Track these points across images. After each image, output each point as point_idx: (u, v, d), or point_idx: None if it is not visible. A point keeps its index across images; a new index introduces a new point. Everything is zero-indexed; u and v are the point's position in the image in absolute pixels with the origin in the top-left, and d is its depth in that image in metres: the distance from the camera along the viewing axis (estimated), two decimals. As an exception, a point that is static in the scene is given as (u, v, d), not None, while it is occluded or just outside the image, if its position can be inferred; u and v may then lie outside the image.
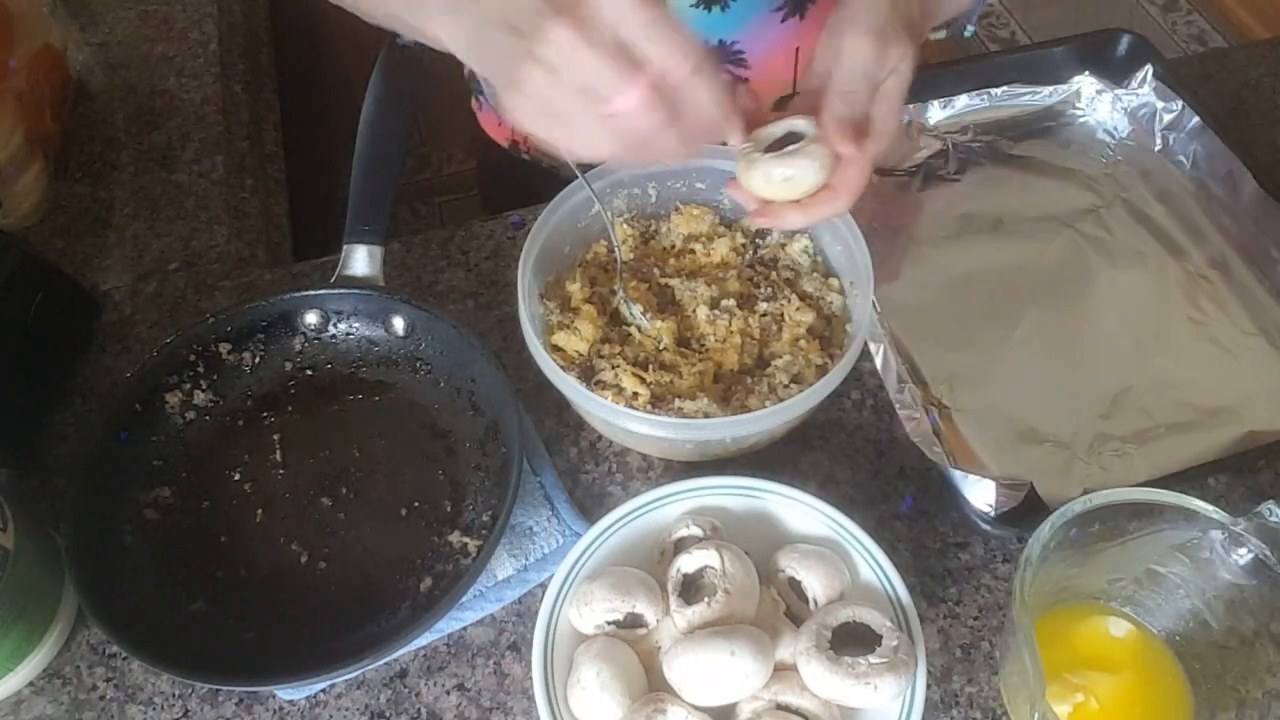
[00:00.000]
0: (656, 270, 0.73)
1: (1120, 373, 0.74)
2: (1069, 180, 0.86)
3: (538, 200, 0.82)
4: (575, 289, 0.70)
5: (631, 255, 0.73)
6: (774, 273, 0.72)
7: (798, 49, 0.84)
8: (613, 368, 0.66)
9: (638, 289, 0.71)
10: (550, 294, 0.71)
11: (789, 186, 0.59)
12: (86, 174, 0.91)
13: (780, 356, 0.68)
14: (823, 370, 0.67)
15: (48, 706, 0.62)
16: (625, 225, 0.74)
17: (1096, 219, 0.83)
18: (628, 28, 0.46)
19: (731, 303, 0.70)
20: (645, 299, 0.70)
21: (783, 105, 0.88)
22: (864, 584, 0.61)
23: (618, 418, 0.62)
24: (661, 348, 0.69)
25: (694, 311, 0.70)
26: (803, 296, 0.71)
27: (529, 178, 0.98)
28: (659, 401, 0.65)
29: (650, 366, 0.66)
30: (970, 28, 0.97)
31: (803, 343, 0.69)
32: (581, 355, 0.67)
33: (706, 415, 0.63)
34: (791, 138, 0.59)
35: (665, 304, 0.72)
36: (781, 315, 0.69)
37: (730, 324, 0.69)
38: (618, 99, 0.47)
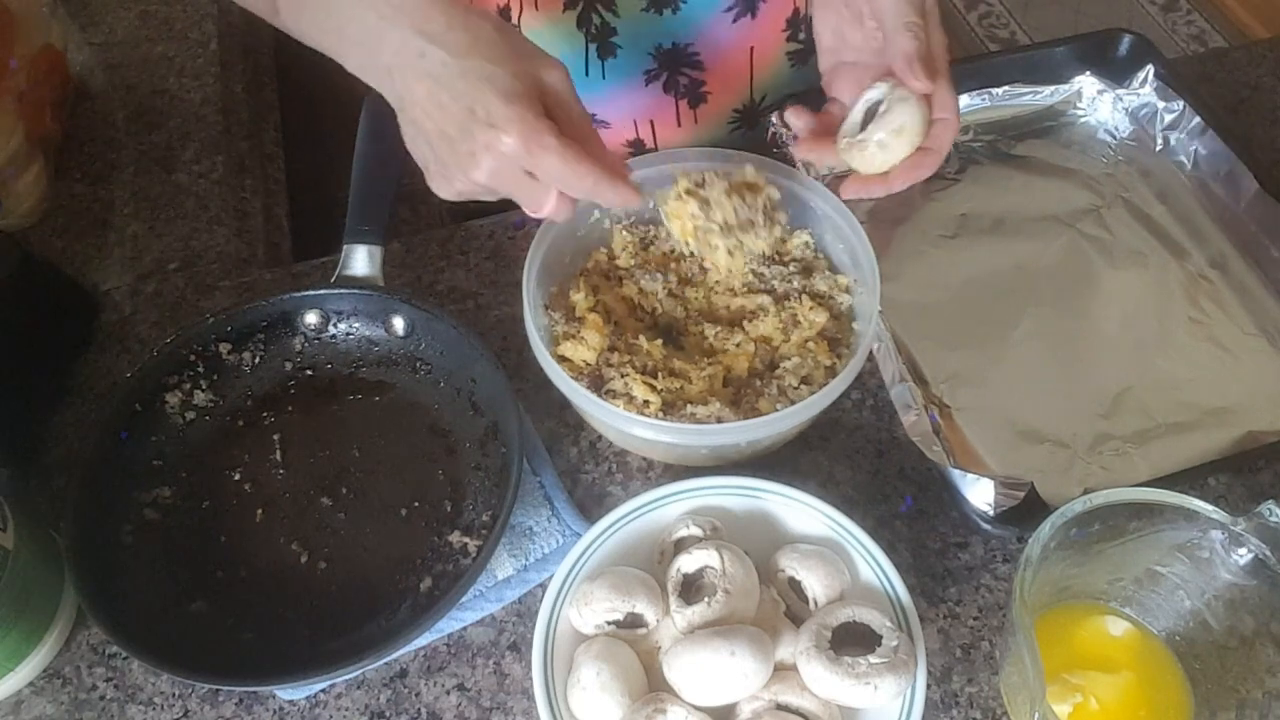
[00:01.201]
0: (666, 277, 0.72)
1: (1120, 372, 0.74)
2: (1070, 180, 0.86)
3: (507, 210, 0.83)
4: (579, 298, 0.70)
5: (633, 261, 0.73)
6: (785, 269, 0.72)
7: (752, 48, 0.83)
8: (622, 376, 0.66)
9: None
10: (554, 304, 0.71)
11: (905, 139, 0.60)
12: (86, 174, 0.91)
13: (789, 358, 0.68)
14: (830, 370, 0.67)
15: (48, 706, 0.62)
16: (624, 232, 0.74)
17: (1097, 219, 0.83)
18: (534, 166, 0.52)
19: (752, 320, 0.70)
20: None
21: (744, 114, 0.88)
22: (864, 584, 0.61)
23: (632, 426, 0.62)
24: (668, 355, 0.69)
25: (709, 335, 0.70)
26: (814, 296, 0.71)
27: None
28: (670, 408, 0.65)
29: (659, 374, 0.66)
30: None
31: (811, 344, 0.69)
32: (590, 365, 0.67)
33: (719, 420, 0.63)
34: (869, 112, 0.61)
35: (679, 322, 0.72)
36: (795, 317, 0.69)
37: (744, 340, 0.69)
38: (539, 212, 0.55)
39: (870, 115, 0.61)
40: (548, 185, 0.53)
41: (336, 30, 0.54)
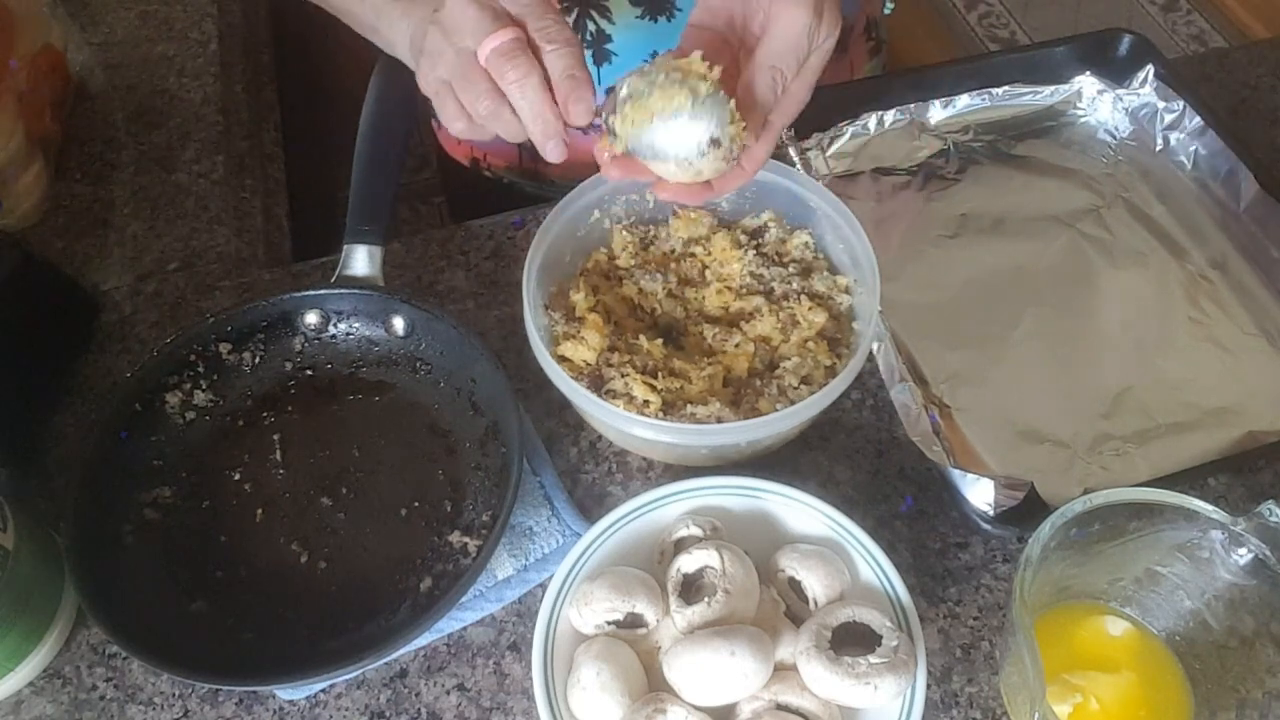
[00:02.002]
0: (666, 277, 0.72)
1: (1121, 372, 0.74)
2: (1070, 180, 0.86)
3: (500, 212, 0.83)
4: (579, 298, 0.70)
5: (633, 261, 0.73)
6: (784, 270, 0.72)
7: None
8: (622, 376, 0.66)
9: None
10: (554, 304, 0.71)
11: (714, 168, 0.54)
12: (86, 174, 0.91)
13: (789, 358, 0.68)
14: (830, 370, 0.67)
15: (48, 706, 0.62)
16: (624, 231, 0.74)
17: (1097, 219, 0.83)
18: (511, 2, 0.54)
19: (751, 321, 0.70)
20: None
21: None
22: (864, 584, 0.61)
23: (632, 426, 0.62)
24: (668, 355, 0.69)
25: (708, 336, 0.70)
26: (813, 296, 0.71)
27: (490, 193, 0.98)
28: (670, 408, 0.65)
29: (659, 374, 0.66)
30: (889, 4, 0.96)
31: (811, 344, 0.69)
32: (590, 365, 0.67)
33: (719, 420, 0.63)
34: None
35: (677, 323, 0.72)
36: (794, 317, 0.69)
37: (743, 340, 0.69)
38: (487, 43, 0.53)
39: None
40: (509, 20, 0.54)
41: None
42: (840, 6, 0.57)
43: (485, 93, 0.55)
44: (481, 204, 0.86)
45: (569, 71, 0.54)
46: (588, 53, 0.79)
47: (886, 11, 0.96)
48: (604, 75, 0.81)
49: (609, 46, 0.79)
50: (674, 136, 0.53)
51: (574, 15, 0.77)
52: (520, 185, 0.97)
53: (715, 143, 0.53)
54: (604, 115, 0.56)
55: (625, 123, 0.54)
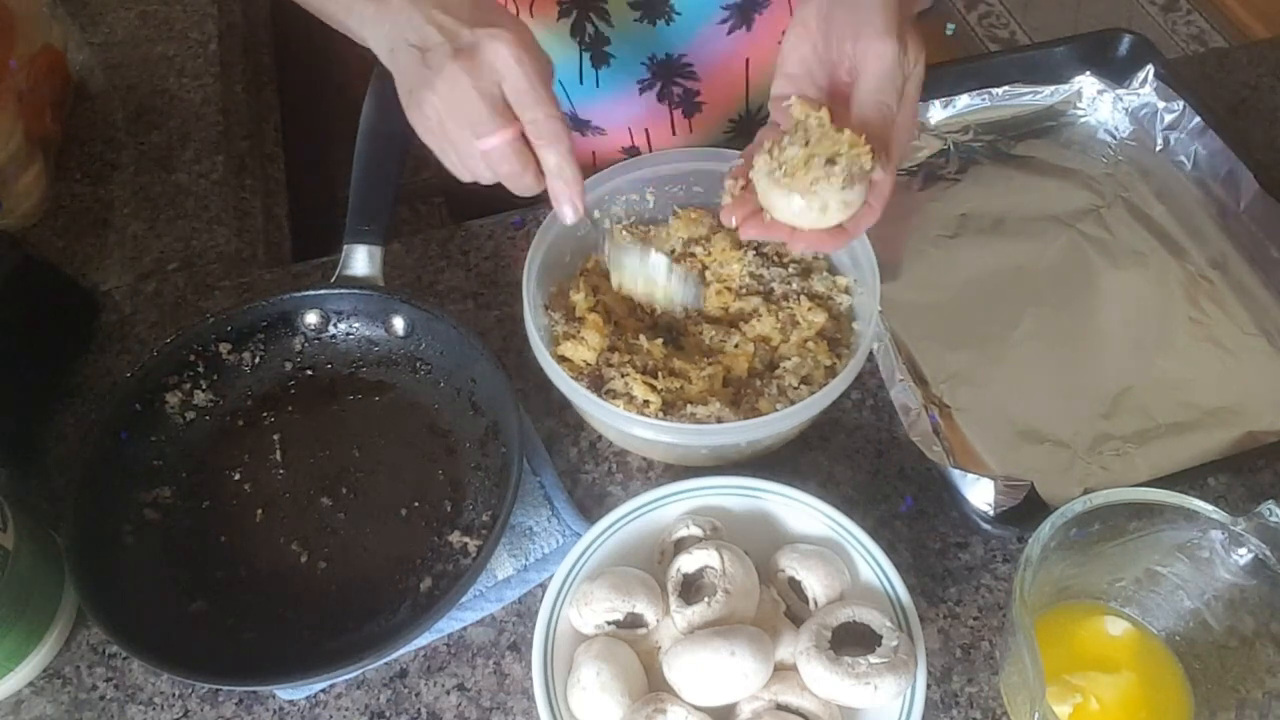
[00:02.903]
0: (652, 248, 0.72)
1: (1121, 372, 0.74)
2: (1070, 180, 0.86)
3: (500, 212, 0.82)
4: (579, 298, 0.70)
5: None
6: (784, 270, 0.72)
7: (748, 60, 0.83)
8: (622, 376, 0.66)
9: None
10: (554, 304, 0.71)
11: (844, 210, 0.56)
12: (86, 174, 0.91)
13: (789, 358, 0.68)
14: (830, 370, 0.67)
15: (48, 706, 0.62)
16: (624, 231, 0.74)
17: (1097, 219, 0.83)
18: (509, 86, 0.55)
19: (750, 321, 0.70)
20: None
21: (740, 123, 0.88)
22: (864, 584, 0.61)
23: (632, 426, 0.62)
24: (668, 355, 0.68)
25: (708, 336, 0.70)
26: (812, 296, 0.71)
27: (490, 193, 0.98)
28: (670, 408, 0.65)
29: (659, 374, 0.66)
30: (951, 26, 0.97)
31: (811, 343, 0.69)
32: (590, 365, 0.67)
33: (719, 420, 0.63)
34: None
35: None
36: (794, 317, 0.69)
37: (743, 341, 0.69)
38: (486, 140, 0.56)
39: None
40: (509, 114, 0.55)
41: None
42: (920, 32, 0.59)
43: (486, 168, 0.58)
44: (482, 204, 0.86)
45: (559, 172, 0.58)
46: (586, 54, 0.79)
47: (948, 33, 0.97)
48: (602, 78, 0.81)
49: (607, 49, 0.79)
50: (815, 184, 0.55)
51: (573, 17, 0.77)
52: None
53: (849, 178, 0.55)
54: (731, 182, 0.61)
55: (779, 186, 0.57)
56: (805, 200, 0.55)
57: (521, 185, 0.59)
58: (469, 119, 0.55)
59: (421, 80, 0.56)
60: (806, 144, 0.56)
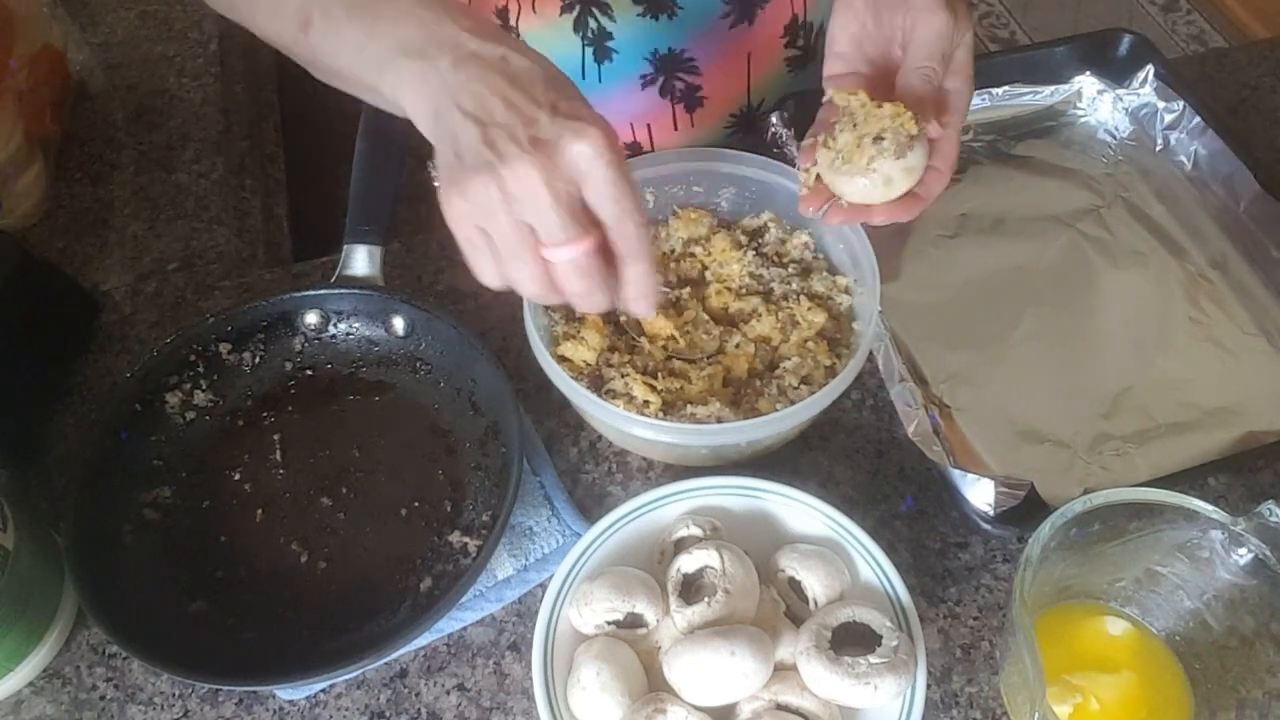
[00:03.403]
0: (666, 277, 0.72)
1: (1121, 372, 0.74)
2: (1070, 180, 0.86)
3: None
4: None
5: None
6: (784, 270, 0.72)
7: (749, 54, 0.83)
8: (622, 376, 0.66)
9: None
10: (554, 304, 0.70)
11: (910, 179, 0.58)
12: (86, 174, 0.91)
13: (789, 359, 0.68)
14: (830, 370, 0.67)
15: (48, 706, 0.62)
16: None
17: (1097, 219, 0.83)
18: (594, 190, 0.47)
19: (750, 322, 0.70)
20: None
21: (742, 118, 0.88)
22: (864, 584, 0.61)
23: (632, 426, 0.62)
24: (668, 356, 0.68)
25: (705, 331, 0.70)
26: (812, 297, 0.71)
27: None
28: (670, 408, 0.65)
29: (659, 374, 0.66)
30: None
31: (811, 343, 0.69)
32: (590, 365, 0.67)
33: (719, 420, 0.63)
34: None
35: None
36: (794, 317, 0.69)
37: (743, 341, 0.69)
38: (559, 250, 0.48)
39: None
40: (588, 223, 0.48)
41: (383, 36, 0.50)
42: (968, 5, 0.60)
43: (536, 279, 0.49)
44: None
45: (640, 286, 0.51)
46: (589, 50, 0.79)
47: None
48: (604, 73, 0.81)
49: (610, 44, 0.79)
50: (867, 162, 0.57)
51: (575, 12, 0.77)
52: None
53: (881, 142, 0.57)
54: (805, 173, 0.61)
55: (839, 173, 0.58)
56: (868, 179, 0.58)
57: (590, 303, 0.51)
58: (538, 223, 0.47)
59: (479, 163, 0.46)
60: (854, 127, 0.58)
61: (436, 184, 0.50)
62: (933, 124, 0.57)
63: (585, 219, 0.48)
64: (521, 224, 0.47)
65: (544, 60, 0.49)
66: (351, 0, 0.51)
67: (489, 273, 0.50)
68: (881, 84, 0.62)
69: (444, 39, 0.49)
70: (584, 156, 0.46)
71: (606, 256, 0.50)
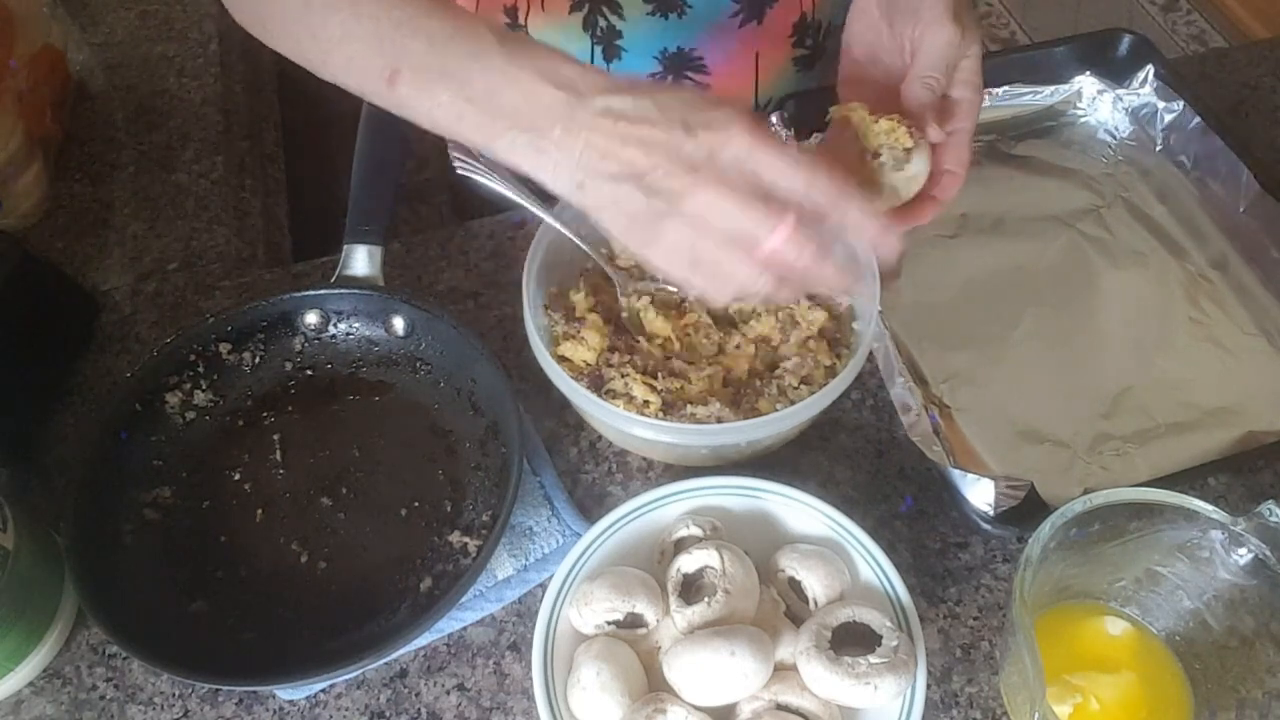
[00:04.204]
0: (659, 276, 0.72)
1: (1121, 372, 0.74)
2: (1070, 180, 0.86)
3: (510, 208, 0.82)
4: (580, 299, 0.70)
5: (632, 261, 0.73)
6: None
7: (757, 54, 0.83)
8: (622, 376, 0.66)
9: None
10: (554, 304, 0.70)
11: (914, 186, 0.59)
12: (86, 174, 0.91)
13: (789, 359, 0.68)
14: (830, 370, 0.67)
15: (48, 706, 0.62)
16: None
17: (1097, 219, 0.83)
18: (767, 176, 0.47)
19: (749, 322, 0.70)
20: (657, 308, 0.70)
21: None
22: (864, 584, 0.61)
23: (632, 426, 0.62)
24: (668, 356, 0.68)
25: (703, 335, 0.70)
26: (812, 296, 0.71)
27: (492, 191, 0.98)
28: (670, 408, 0.64)
29: (659, 374, 0.66)
30: None
31: (811, 343, 0.69)
32: (590, 365, 0.67)
33: (719, 420, 0.63)
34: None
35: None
36: (793, 317, 0.69)
37: (743, 341, 0.69)
38: (768, 242, 0.47)
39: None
40: (780, 200, 0.47)
41: (481, 100, 0.49)
42: (977, 18, 0.62)
43: (767, 280, 0.49)
44: (488, 199, 0.86)
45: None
46: (598, 48, 0.79)
47: None
48: (613, 71, 0.81)
49: (619, 43, 0.79)
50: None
51: (585, 11, 0.77)
52: (528, 180, 0.96)
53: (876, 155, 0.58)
54: None
55: None
56: (871, 191, 0.59)
57: (824, 275, 0.49)
58: (739, 232, 0.47)
59: (656, 214, 0.47)
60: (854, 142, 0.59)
61: (613, 236, 0.50)
62: (933, 129, 0.58)
63: (775, 201, 0.47)
64: (726, 241, 0.48)
65: (642, 84, 0.48)
66: (439, 57, 0.50)
67: (723, 293, 0.50)
68: (892, 90, 0.63)
69: (546, 105, 0.48)
70: (740, 155, 0.47)
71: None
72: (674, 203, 0.47)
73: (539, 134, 0.48)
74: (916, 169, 0.59)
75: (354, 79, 0.54)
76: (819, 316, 0.69)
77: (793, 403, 0.63)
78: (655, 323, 0.68)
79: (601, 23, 0.78)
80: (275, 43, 0.58)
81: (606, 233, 0.51)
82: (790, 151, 0.47)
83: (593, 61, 0.80)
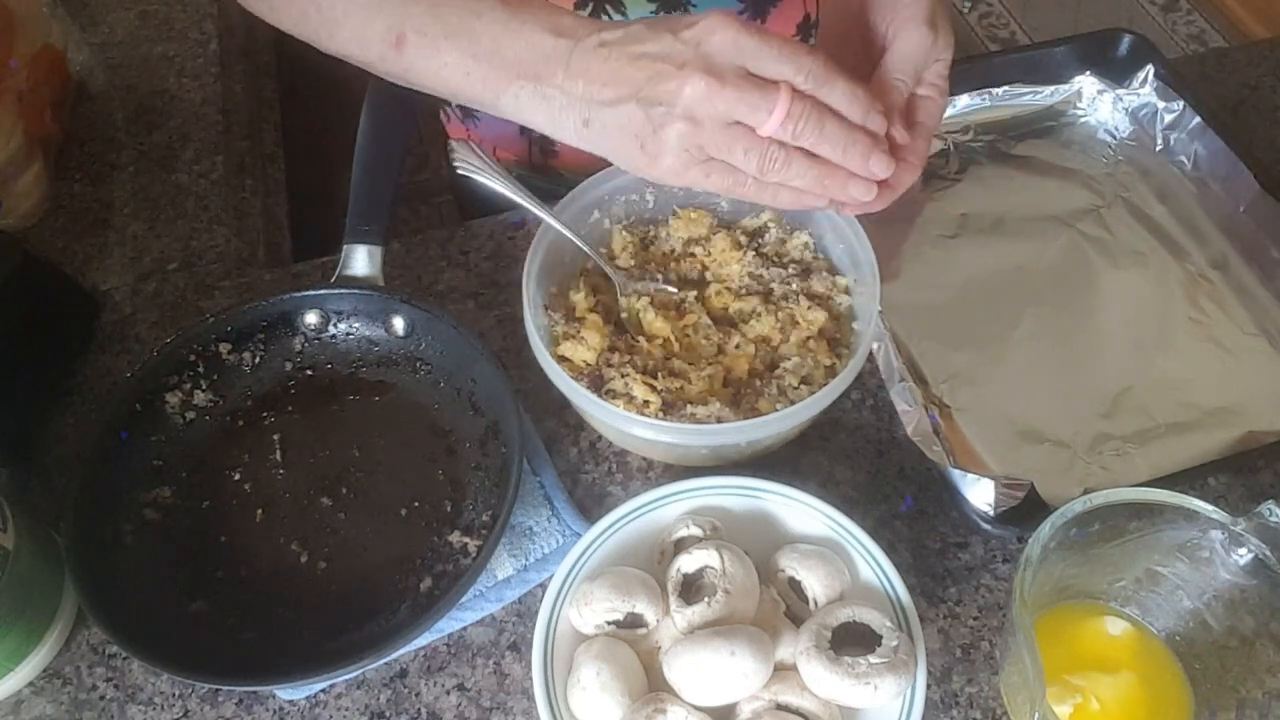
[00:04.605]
0: (660, 277, 0.72)
1: (1121, 372, 0.74)
2: (1070, 180, 0.86)
3: (511, 208, 0.82)
4: (579, 298, 0.70)
5: (632, 261, 0.73)
6: (784, 270, 0.72)
7: None
8: (622, 376, 0.66)
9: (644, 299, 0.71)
10: (554, 304, 0.70)
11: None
12: (86, 174, 0.91)
13: (789, 358, 0.68)
14: (830, 370, 0.67)
15: (48, 706, 0.62)
16: (624, 231, 0.74)
17: (1097, 219, 0.83)
18: (755, 63, 0.49)
19: (749, 322, 0.70)
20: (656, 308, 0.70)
21: None
22: (864, 584, 0.61)
23: (632, 426, 0.62)
24: (668, 356, 0.68)
25: (703, 335, 0.70)
26: (812, 296, 0.71)
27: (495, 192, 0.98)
28: (670, 408, 0.65)
29: (659, 374, 0.66)
30: None
31: (811, 343, 0.69)
32: (590, 365, 0.67)
33: (719, 420, 0.63)
34: None
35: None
36: (793, 317, 0.69)
37: (743, 341, 0.69)
38: (769, 119, 0.49)
39: None
40: (771, 82, 0.49)
41: (488, 57, 0.51)
42: (952, 23, 0.61)
43: (782, 161, 0.51)
44: (490, 199, 0.86)
45: (860, 108, 0.51)
46: None
47: None
48: None
49: None
50: None
51: (589, 9, 0.77)
52: (530, 179, 0.97)
53: None
54: None
55: None
56: None
57: (851, 148, 0.51)
58: (739, 115, 0.49)
59: (658, 121, 0.49)
60: None
61: (448, 120, 0.52)
62: (899, 130, 0.57)
63: (766, 82, 0.49)
64: (727, 129, 0.49)
65: (626, 23, 0.51)
66: (444, 18, 0.51)
67: (742, 188, 0.52)
68: (858, 75, 0.61)
69: (547, 53, 0.50)
70: (726, 45, 0.48)
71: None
72: (671, 103, 0.48)
73: (543, 81, 0.50)
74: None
75: (359, 48, 0.55)
76: (819, 316, 0.69)
77: (793, 403, 0.63)
78: (655, 323, 0.69)
79: (606, 20, 0.78)
80: (279, 18, 0.59)
81: (624, 166, 0.52)
82: (774, 36, 0.49)
83: None
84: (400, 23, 0.52)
